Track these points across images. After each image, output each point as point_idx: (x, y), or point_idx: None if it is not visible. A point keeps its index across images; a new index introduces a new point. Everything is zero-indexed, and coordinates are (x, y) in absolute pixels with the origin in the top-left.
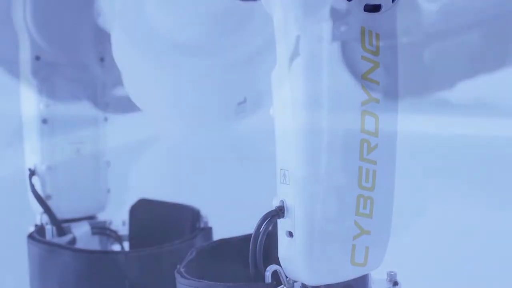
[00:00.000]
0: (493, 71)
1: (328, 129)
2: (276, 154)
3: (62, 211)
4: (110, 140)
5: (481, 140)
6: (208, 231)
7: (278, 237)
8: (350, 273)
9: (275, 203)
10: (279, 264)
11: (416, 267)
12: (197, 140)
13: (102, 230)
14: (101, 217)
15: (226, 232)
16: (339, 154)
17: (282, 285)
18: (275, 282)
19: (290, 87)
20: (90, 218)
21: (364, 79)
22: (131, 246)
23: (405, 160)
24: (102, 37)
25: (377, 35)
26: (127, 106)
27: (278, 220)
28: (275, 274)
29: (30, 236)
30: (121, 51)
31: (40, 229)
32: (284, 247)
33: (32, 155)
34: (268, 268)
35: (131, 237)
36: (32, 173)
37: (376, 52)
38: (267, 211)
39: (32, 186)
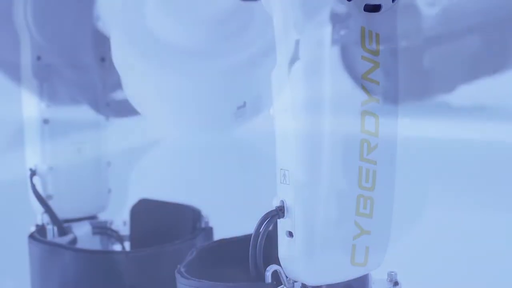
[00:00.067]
0: (493, 75)
1: (328, 130)
2: (276, 154)
3: (63, 211)
4: (111, 143)
5: (481, 143)
6: (208, 231)
7: (278, 237)
8: (350, 273)
9: (275, 203)
10: (279, 264)
11: (417, 267)
12: (197, 142)
13: (103, 230)
14: (102, 217)
15: (226, 232)
16: (339, 154)
17: (282, 285)
18: (275, 282)
19: (289, 88)
20: (91, 218)
21: (364, 79)
22: (132, 246)
23: (404, 163)
24: (103, 38)
25: (377, 35)
26: (127, 108)
27: (278, 220)
28: (275, 274)
29: (31, 236)
30: (120, 54)
31: (41, 229)
32: (284, 247)
33: (33, 155)
34: (268, 268)
35: (132, 237)
36: (33, 173)
37: (376, 52)
38: (267, 211)
39: (33, 186)
